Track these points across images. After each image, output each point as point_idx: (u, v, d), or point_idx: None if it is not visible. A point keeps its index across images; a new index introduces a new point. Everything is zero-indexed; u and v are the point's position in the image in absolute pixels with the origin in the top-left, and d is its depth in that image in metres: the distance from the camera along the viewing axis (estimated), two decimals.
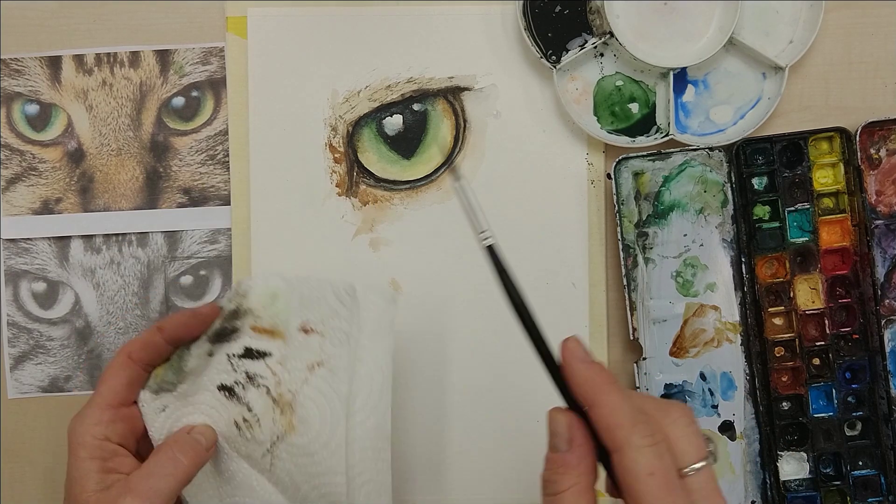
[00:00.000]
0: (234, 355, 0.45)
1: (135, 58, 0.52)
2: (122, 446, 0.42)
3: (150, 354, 0.44)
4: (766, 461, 0.51)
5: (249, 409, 0.45)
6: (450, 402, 0.52)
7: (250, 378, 0.45)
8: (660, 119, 0.51)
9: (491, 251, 0.37)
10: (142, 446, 0.44)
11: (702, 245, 0.51)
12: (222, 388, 0.45)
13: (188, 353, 0.45)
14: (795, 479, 0.50)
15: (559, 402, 0.36)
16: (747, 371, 0.51)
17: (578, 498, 0.34)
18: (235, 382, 0.45)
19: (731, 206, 0.51)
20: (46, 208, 0.53)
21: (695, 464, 0.34)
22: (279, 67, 0.52)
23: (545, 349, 0.36)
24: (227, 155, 0.52)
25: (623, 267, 0.51)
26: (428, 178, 0.52)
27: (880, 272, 0.50)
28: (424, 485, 0.52)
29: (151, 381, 0.45)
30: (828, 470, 0.50)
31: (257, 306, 0.45)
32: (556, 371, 0.35)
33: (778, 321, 0.51)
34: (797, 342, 0.50)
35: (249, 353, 0.45)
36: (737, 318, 0.51)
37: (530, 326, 0.36)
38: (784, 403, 0.50)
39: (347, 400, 0.44)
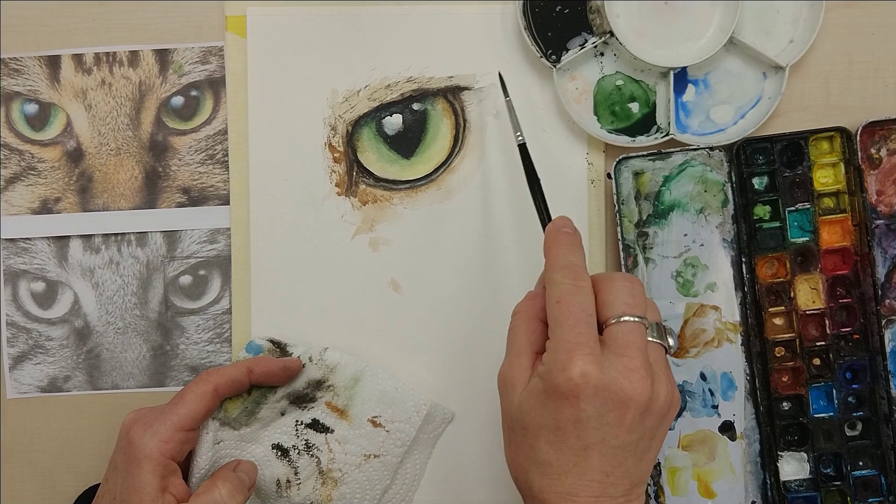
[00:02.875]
0: (301, 423, 0.49)
1: (134, 57, 0.52)
2: (178, 466, 0.44)
3: (233, 391, 0.46)
4: (767, 461, 0.50)
5: (296, 473, 0.49)
6: (449, 403, 0.52)
7: (308, 447, 0.49)
8: (660, 119, 0.51)
9: (522, 149, 0.47)
10: (184, 465, 0.46)
11: (702, 245, 0.51)
12: (277, 447, 0.49)
13: (265, 402, 0.48)
14: (796, 480, 0.50)
15: None
16: (747, 371, 0.51)
17: (527, 319, 0.41)
18: (293, 447, 0.49)
19: (731, 206, 0.51)
20: (45, 208, 0.53)
21: (621, 316, 0.38)
22: (278, 67, 0.52)
23: (545, 217, 0.45)
24: (227, 154, 0.52)
25: (623, 267, 0.51)
26: (428, 178, 0.52)
27: (881, 272, 0.50)
28: (425, 484, 0.52)
29: (221, 413, 0.47)
30: (828, 470, 0.50)
31: (339, 385, 0.49)
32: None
33: (778, 321, 0.50)
34: (797, 342, 0.50)
35: (315, 425, 0.49)
36: (737, 318, 0.51)
37: (539, 198, 0.45)
38: (784, 403, 0.50)
39: (385, 490, 0.50)
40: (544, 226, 0.44)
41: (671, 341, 0.41)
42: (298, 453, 0.49)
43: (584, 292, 0.39)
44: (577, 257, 0.41)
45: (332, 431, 0.49)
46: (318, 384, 0.50)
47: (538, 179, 0.46)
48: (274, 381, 0.48)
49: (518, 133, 0.47)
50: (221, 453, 0.47)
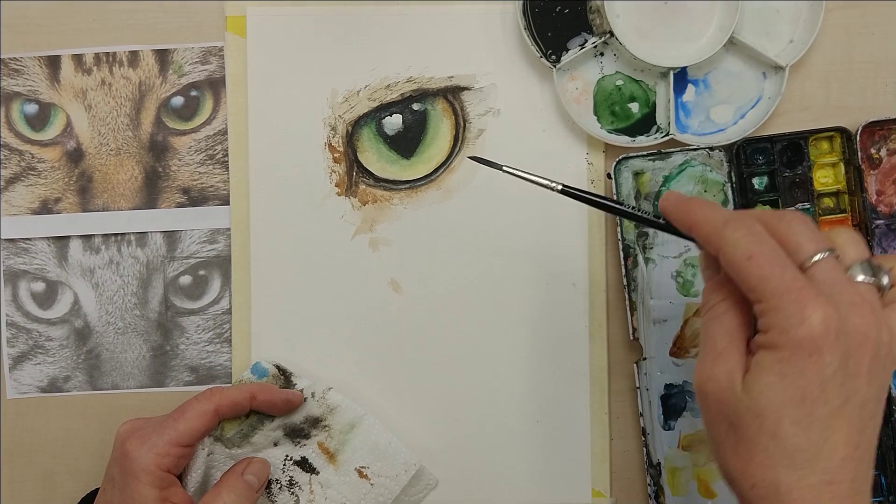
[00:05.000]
0: (290, 458, 0.49)
1: (134, 57, 0.52)
2: (177, 478, 0.45)
3: (233, 413, 0.47)
4: None
5: None
6: (448, 403, 0.52)
7: (291, 484, 0.49)
8: (660, 119, 0.51)
9: (565, 191, 0.42)
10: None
11: None
12: None
13: (261, 428, 0.49)
14: None
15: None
16: None
17: (727, 307, 0.35)
18: (276, 480, 0.49)
19: (731, 206, 0.51)
20: (45, 208, 0.53)
21: (813, 256, 0.34)
22: (278, 67, 0.52)
23: (647, 219, 0.40)
24: (227, 154, 0.52)
25: (623, 267, 0.51)
26: (428, 178, 0.52)
27: None
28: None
29: (217, 431, 0.48)
30: None
31: (335, 427, 0.49)
32: (668, 226, 0.39)
33: None
34: None
35: (303, 464, 0.49)
36: None
37: (635, 216, 0.41)
38: None
39: None
40: (648, 222, 0.40)
41: (885, 280, 0.35)
42: (280, 488, 0.49)
43: (765, 238, 0.34)
44: (723, 210, 0.36)
45: (318, 473, 0.49)
46: (316, 422, 0.49)
47: (612, 200, 0.42)
48: (274, 412, 0.48)
49: (554, 182, 0.43)
50: (211, 465, 0.48)
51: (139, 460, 0.43)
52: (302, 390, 0.50)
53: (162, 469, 0.43)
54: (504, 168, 0.44)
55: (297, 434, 0.49)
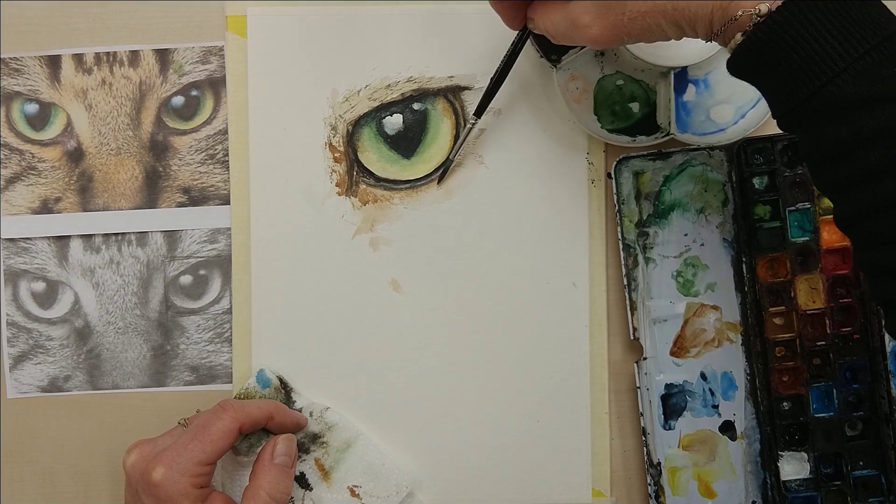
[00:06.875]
0: None
1: (134, 57, 0.52)
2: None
3: (252, 430, 0.49)
4: (767, 461, 0.50)
5: None
6: (449, 403, 0.52)
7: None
8: (660, 118, 0.51)
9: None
10: None
11: (702, 245, 0.51)
12: None
13: (267, 439, 0.49)
14: (796, 480, 0.50)
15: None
16: (748, 371, 0.51)
17: None
18: None
19: (731, 206, 0.51)
20: (46, 208, 0.53)
21: None
22: (279, 66, 0.52)
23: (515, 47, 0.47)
24: (227, 154, 0.52)
25: (623, 266, 0.51)
26: (428, 178, 0.52)
27: None
28: (423, 484, 0.52)
29: None
30: (828, 470, 0.50)
31: (332, 444, 0.50)
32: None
33: (778, 321, 0.50)
34: (798, 342, 0.50)
35: (300, 479, 0.50)
36: (737, 317, 0.51)
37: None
38: (784, 403, 0.50)
39: None
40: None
41: None
42: None
43: None
44: None
45: (312, 489, 0.50)
46: (315, 437, 0.51)
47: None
48: (281, 432, 0.50)
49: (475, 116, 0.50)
50: (219, 466, 0.49)
51: (174, 485, 0.44)
52: (301, 409, 0.51)
53: (197, 487, 0.44)
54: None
55: (298, 448, 0.50)
